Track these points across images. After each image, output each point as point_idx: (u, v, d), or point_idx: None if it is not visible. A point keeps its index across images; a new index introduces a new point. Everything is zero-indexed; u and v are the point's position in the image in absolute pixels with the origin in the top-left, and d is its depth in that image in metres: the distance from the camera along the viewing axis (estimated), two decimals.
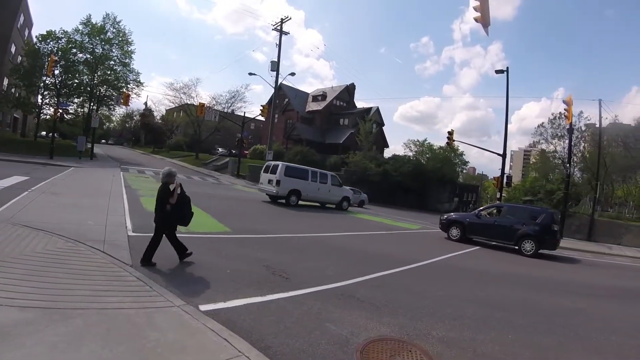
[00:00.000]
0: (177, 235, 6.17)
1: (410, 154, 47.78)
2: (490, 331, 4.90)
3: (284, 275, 6.16)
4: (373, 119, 45.84)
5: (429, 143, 49.10)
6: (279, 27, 31.81)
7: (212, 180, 26.89)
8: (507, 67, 23.64)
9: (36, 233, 6.41)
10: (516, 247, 13.35)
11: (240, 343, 3.41)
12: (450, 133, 25.27)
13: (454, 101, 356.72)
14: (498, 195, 24.83)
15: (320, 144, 47.71)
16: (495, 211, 15.29)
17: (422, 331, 4.60)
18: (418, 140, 50.07)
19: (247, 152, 45.61)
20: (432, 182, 38.76)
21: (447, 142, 26.34)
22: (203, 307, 4.27)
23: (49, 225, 7.00)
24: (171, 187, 5.79)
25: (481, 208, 16.36)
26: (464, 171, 66.96)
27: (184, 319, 3.79)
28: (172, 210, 5.79)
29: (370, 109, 50.93)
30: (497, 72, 24.49)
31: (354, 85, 56.82)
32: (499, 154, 24.06)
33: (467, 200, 52.06)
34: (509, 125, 25.25)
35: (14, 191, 10.40)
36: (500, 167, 23.92)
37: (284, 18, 31.61)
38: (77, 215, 8.29)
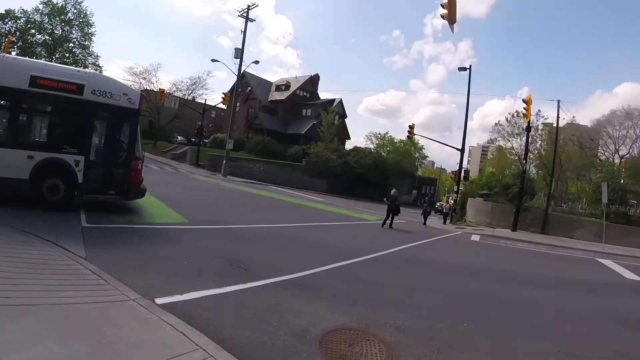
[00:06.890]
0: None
1: (372, 146, 48.63)
2: (447, 320, 4.95)
3: (242, 266, 5.96)
4: (336, 110, 45.80)
5: (390, 136, 50.24)
6: (244, 14, 30.65)
7: (169, 169, 25.83)
8: (470, 65, 24.54)
9: None
10: None
11: (198, 336, 3.31)
12: (411, 127, 25.78)
13: (420, 96, 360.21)
14: (455, 189, 25.80)
15: (282, 134, 47.07)
16: None
17: (380, 321, 4.55)
18: (379, 134, 51.09)
19: (207, 140, 44.14)
20: (392, 174, 39.65)
21: (407, 136, 26.92)
22: (159, 301, 4.08)
23: None
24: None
25: None
26: (423, 165, 69.20)
27: (140, 312, 3.69)
28: (395, 209, 14.47)
29: (333, 100, 50.76)
30: (460, 69, 25.17)
31: (318, 76, 56.49)
32: (457, 149, 24.89)
33: (425, 193, 53.98)
34: (471, 122, 26.23)
35: None
36: (459, 162, 24.79)
37: (250, 5, 30.45)
38: None
